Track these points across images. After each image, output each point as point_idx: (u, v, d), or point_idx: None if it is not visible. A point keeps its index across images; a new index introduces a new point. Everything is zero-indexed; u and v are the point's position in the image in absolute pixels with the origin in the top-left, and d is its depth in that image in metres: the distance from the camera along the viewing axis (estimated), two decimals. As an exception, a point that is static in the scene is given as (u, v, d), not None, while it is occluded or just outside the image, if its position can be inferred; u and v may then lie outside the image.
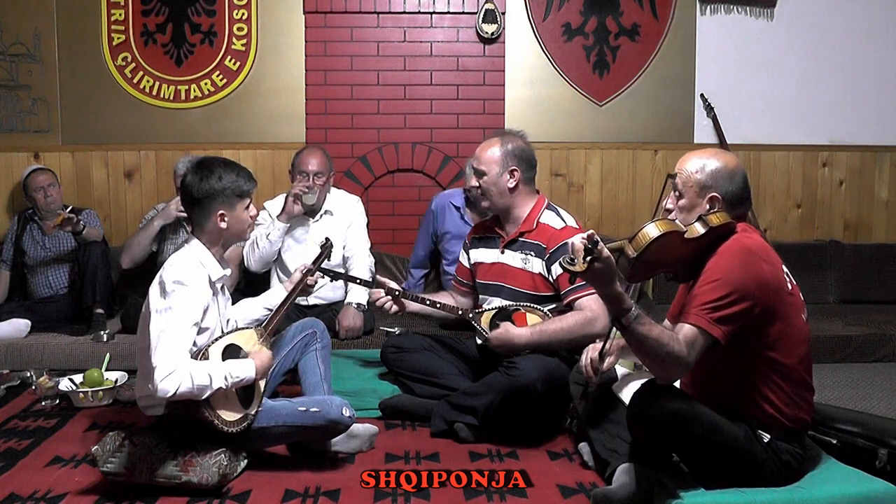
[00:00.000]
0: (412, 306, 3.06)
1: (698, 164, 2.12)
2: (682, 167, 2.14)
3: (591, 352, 2.34)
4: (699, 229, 2.00)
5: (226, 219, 2.50)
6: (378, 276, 3.14)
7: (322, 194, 3.78)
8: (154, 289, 2.41)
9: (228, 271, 2.60)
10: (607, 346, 2.20)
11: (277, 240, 3.69)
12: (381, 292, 3.02)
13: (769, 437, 2.04)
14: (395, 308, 3.03)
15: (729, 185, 2.10)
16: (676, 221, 2.03)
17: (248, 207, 2.56)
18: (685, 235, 1.99)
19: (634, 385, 2.41)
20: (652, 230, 1.93)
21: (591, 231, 1.84)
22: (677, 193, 2.13)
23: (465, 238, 3.23)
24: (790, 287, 2.08)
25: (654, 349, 1.90)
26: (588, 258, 1.80)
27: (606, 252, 1.83)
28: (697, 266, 2.04)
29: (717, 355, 1.99)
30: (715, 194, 2.09)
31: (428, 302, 3.05)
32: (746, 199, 2.15)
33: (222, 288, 2.62)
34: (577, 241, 1.86)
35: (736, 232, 2.06)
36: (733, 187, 2.11)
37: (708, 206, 2.09)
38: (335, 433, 2.54)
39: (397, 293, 3.01)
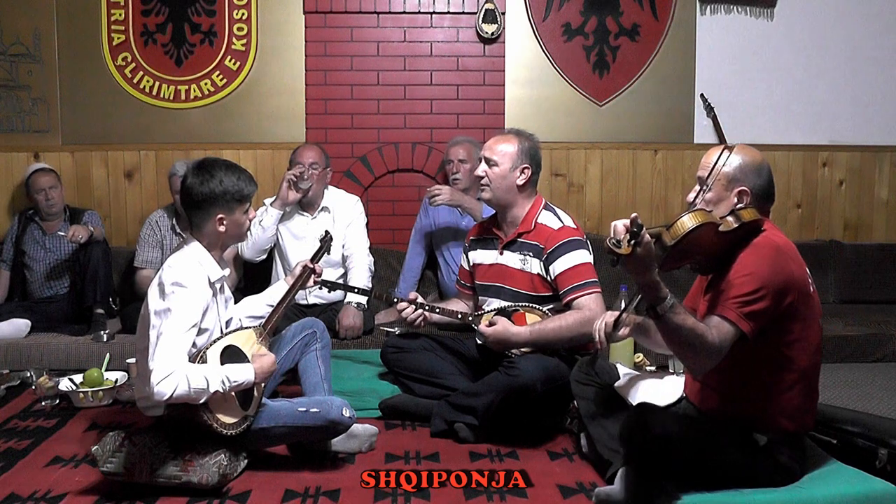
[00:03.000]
0: (434, 318, 3.08)
1: (725, 158, 2.10)
2: (709, 160, 2.12)
3: (607, 317, 2.33)
4: (732, 223, 2.00)
5: (224, 223, 2.50)
6: (411, 295, 3.08)
7: (319, 187, 3.78)
8: (153, 290, 2.41)
9: (227, 271, 2.60)
10: (623, 316, 2.19)
11: (271, 227, 3.70)
12: (412, 307, 3.01)
13: (766, 439, 2.03)
14: (423, 322, 3.03)
15: (757, 179, 2.10)
16: (712, 213, 2.02)
17: (246, 211, 2.56)
18: (720, 228, 1.98)
19: (637, 385, 2.41)
20: (689, 221, 1.92)
21: (635, 214, 1.83)
22: (705, 187, 2.11)
23: (460, 232, 3.23)
24: (812, 290, 2.08)
25: (688, 339, 1.89)
26: (632, 241, 1.79)
27: (648, 237, 1.82)
28: (724, 259, 2.04)
29: (734, 349, 1.99)
30: (744, 188, 2.08)
31: (448, 311, 3.05)
32: (772, 195, 2.14)
33: (222, 288, 2.61)
34: (620, 224, 1.85)
35: (764, 229, 2.06)
36: (761, 181, 2.10)
37: (735, 200, 2.08)
38: (335, 434, 2.54)
39: (422, 306, 3.01)
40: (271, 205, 3.71)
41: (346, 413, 2.49)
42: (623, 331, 2.31)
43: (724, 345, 1.92)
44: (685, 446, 1.98)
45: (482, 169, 2.95)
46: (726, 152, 2.10)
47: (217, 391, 2.31)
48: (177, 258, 2.47)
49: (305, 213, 3.84)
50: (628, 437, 2.02)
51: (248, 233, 2.61)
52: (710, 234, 1.97)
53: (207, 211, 2.48)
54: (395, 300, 3.07)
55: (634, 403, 2.33)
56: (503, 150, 2.93)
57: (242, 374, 2.39)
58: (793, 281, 1.99)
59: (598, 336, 2.32)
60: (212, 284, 2.50)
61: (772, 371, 2.03)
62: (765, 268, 1.97)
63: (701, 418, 2.17)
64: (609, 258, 1.86)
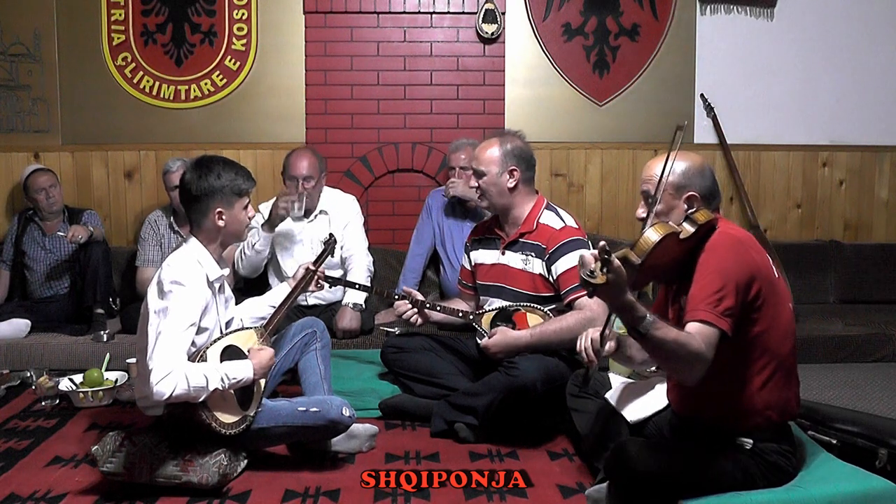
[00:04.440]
0: (435, 316, 3.07)
1: (669, 169, 2.08)
2: (651, 173, 2.13)
3: (591, 333, 2.29)
4: (689, 228, 2.01)
5: (224, 217, 2.50)
6: (405, 288, 3.12)
7: (314, 195, 3.77)
8: (152, 289, 2.41)
9: (226, 271, 2.60)
10: (607, 331, 2.18)
11: (263, 248, 3.66)
12: (408, 304, 3.01)
13: (751, 442, 2.02)
14: (420, 320, 3.04)
15: (702, 180, 2.11)
16: (670, 223, 2.03)
17: (246, 207, 2.56)
18: (680, 236, 2.00)
19: (627, 395, 2.40)
20: (653, 235, 1.94)
21: (602, 242, 1.83)
22: (651, 200, 2.10)
23: (464, 232, 3.23)
24: (776, 275, 2.09)
25: (675, 351, 1.88)
26: (604, 269, 1.79)
27: (617, 262, 1.82)
28: (685, 265, 2.04)
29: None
30: (692, 193, 2.09)
31: (449, 310, 3.05)
32: (718, 193, 2.16)
33: (221, 287, 2.61)
34: (588, 254, 1.84)
35: (718, 227, 2.07)
36: (706, 182, 2.11)
37: (686, 206, 2.08)
38: (335, 433, 2.54)
39: (422, 304, 3.01)
40: (262, 226, 3.62)
41: (346, 413, 2.50)
42: (610, 345, 2.29)
43: (710, 349, 1.92)
44: (671, 474, 1.97)
45: (474, 181, 2.97)
46: (668, 163, 2.08)
47: (216, 388, 2.31)
48: (176, 257, 2.47)
49: (302, 218, 3.82)
50: (612, 475, 2.00)
51: (244, 253, 2.59)
52: (673, 244, 1.99)
53: (207, 204, 2.49)
54: (396, 297, 3.07)
55: (624, 413, 2.32)
56: (487, 158, 2.93)
57: (241, 370, 2.39)
58: (756, 269, 2.00)
59: (586, 356, 2.31)
60: (211, 284, 2.50)
61: (749, 362, 2.02)
62: (728, 262, 1.97)
63: (684, 429, 2.16)
64: (587, 291, 1.85)
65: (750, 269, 1.98)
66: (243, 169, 2.57)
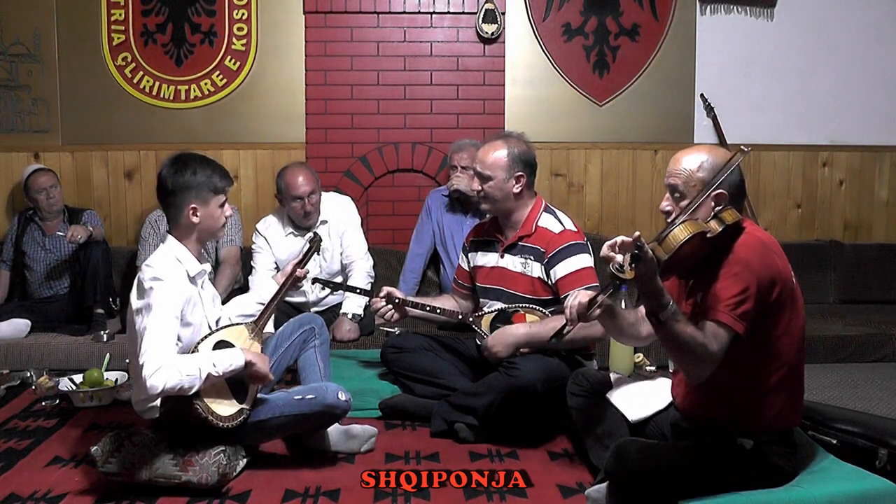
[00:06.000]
0: (414, 312, 3.06)
1: (696, 162, 2.06)
2: (679, 167, 2.08)
3: (581, 297, 2.21)
4: (717, 227, 1.99)
5: (198, 213, 2.50)
6: (386, 289, 3.09)
7: (317, 210, 3.75)
8: (134, 291, 2.42)
9: (207, 266, 2.60)
10: (599, 298, 2.16)
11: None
12: (383, 301, 3.01)
13: (752, 442, 2.02)
14: (396, 316, 3.03)
15: (731, 176, 2.05)
16: (700, 221, 1.99)
17: (222, 205, 2.55)
18: (707, 235, 1.97)
19: (628, 393, 2.40)
20: (681, 232, 1.93)
21: (637, 233, 1.83)
22: (677, 195, 2.09)
23: (464, 232, 3.23)
24: (795, 282, 2.08)
25: (689, 346, 1.89)
26: (633, 265, 1.81)
27: (650, 255, 1.84)
28: (706, 262, 2.03)
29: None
30: (722, 191, 2.03)
31: (429, 308, 3.05)
32: (744, 191, 2.13)
33: (204, 283, 2.61)
34: (617, 249, 1.85)
35: (744, 226, 2.05)
36: (735, 178, 2.07)
37: (713, 204, 2.04)
38: (333, 419, 2.54)
39: (398, 301, 3.01)
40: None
41: (342, 396, 2.50)
42: (596, 312, 2.25)
43: (721, 351, 1.92)
44: (671, 474, 1.97)
45: (476, 184, 2.95)
46: (696, 157, 2.07)
47: (209, 374, 2.31)
48: (154, 257, 2.49)
49: (304, 232, 3.78)
50: (612, 475, 2.00)
51: (223, 228, 2.53)
52: (699, 242, 1.97)
53: (182, 199, 2.48)
54: (371, 293, 3.06)
55: (625, 412, 2.33)
56: (493, 161, 2.90)
57: (232, 356, 2.39)
58: (779, 274, 1.99)
59: (569, 314, 2.27)
60: (192, 279, 2.50)
61: (760, 367, 2.02)
62: (753, 265, 1.96)
63: (684, 425, 2.16)
64: (613, 283, 1.88)
65: (772, 273, 1.98)
66: (220, 167, 2.57)
